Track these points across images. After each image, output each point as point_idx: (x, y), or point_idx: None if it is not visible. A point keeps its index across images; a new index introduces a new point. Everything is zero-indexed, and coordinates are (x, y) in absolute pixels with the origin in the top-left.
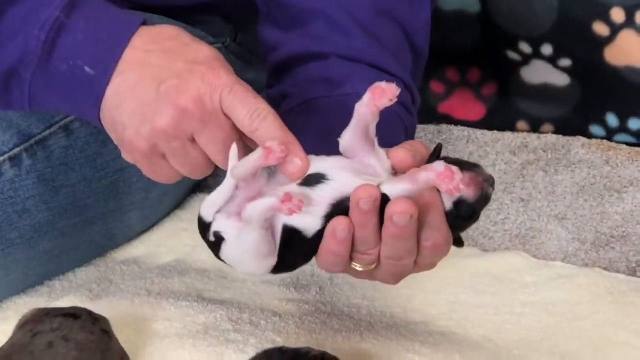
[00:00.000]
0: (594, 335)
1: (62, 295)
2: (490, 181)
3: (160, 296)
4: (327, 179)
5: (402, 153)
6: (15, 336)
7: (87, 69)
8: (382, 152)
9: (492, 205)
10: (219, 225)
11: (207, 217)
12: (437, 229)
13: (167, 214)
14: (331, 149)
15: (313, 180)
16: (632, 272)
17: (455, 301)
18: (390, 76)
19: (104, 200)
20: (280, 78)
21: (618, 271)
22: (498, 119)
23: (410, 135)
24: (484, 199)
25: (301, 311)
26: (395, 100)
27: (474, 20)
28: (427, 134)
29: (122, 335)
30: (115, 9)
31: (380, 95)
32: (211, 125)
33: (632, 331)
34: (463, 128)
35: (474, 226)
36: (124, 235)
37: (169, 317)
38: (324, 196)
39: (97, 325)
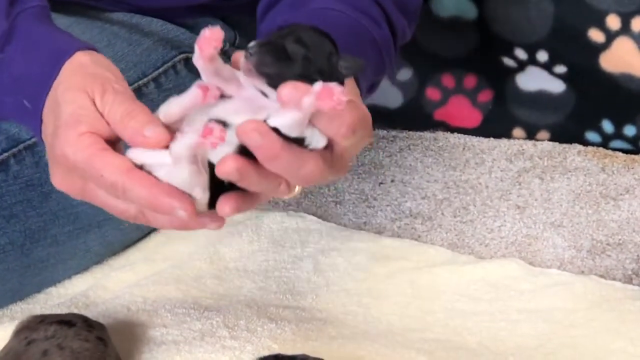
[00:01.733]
0: (590, 343)
1: (58, 301)
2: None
3: (156, 303)
4: (228, 125)
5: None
6: (10, 343)
7: (25, 102)
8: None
9: (488, 212)
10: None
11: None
12: None
13: None
14: None
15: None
16: (628, 280)
17: (451, 308)
18: None
19: (98, 207)
20: (262, 22)
21: (614, 279)
22: (494, 126)
23: (382, 47)
24: (260, 63)
25: (297, 318)
26: (220, 45)
27: (470, 26)
28: (423, 141)
29: (118, 342)
30: (50, 40)
31: (207, 44)
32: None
33: (628, 339)
34: (459, 135)
35: (469, 233)
36: (120, 244)
37: (165, 323)
38: (231, 140)
39: (93, 332)
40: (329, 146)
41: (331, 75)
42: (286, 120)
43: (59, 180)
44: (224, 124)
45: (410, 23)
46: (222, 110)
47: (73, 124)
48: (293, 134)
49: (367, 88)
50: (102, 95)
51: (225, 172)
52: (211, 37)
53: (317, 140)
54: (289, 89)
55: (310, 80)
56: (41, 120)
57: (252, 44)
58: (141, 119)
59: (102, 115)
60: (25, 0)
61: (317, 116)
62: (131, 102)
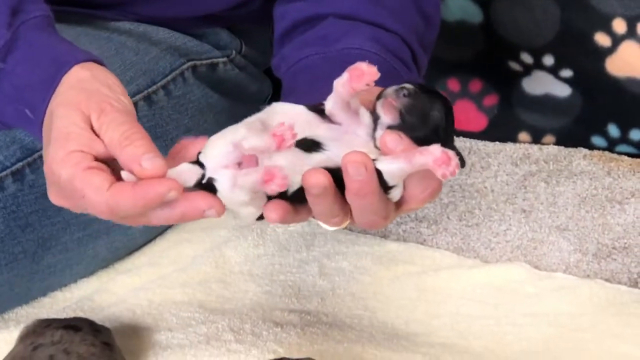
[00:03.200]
0: (596, 347)
1: (63, 305)
2: (402, 91)
3: (162, 307)
4: (323, 149)
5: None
6: (16, 348)
7: (27, 112)
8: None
9: (494, 216)
10: (214, 172)
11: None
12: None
13: (169, 225)
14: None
15: (310, 145)
16: (634, 284)
17: (456, 312)
18: (386, 32)
19: None
20: (282, 45)
21: (620, 282)
22: (500, 130)
23: None
24: (410, 109)
25: (303, 322)
26: (372, 84)
27: (476, 30)
28: None
29: (124, 346)
30: (53, 49)
31: (359, 78)
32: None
33: (634, 343)
34: (465, 139)
35: (475, 237)
36: (126, 249)
37: (171, 327)
38: (316, 162)
39: (99, 337)
40: (401, 200)
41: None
42: (393, 169)
43: (54, 195)
44: (319, 145)
45: (428, 56)
46: (320, 131)
47: (62, 140)
48: (391, 182)
49: None
50: (98, 115)
51: (313, 184)
52: (367, 73)
53: (397, 194)
54: (395, 137)
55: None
56: (40, 124)
57: (410, 87)
58: (140, 146)
59: (97, 135)
60: (28, 11)
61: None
62: (130, 125)
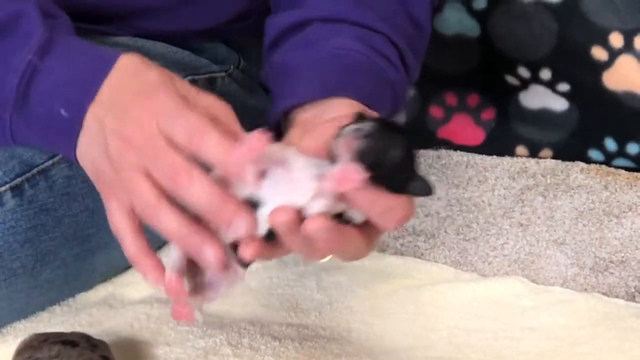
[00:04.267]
0: None
1: (61, 319)
2: (360, 131)
3: (160, 321)
4: (263, 204)
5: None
6: None
7: (62, 111)
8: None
9: (491, 230)
10: None
11: None
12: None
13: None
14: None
15: (255, 204)
16: (631, 298)
17: (454, 326)
18: (372, 31)
19: (106, 229)
20: (270, 53)
21: (617, 296)
22: (497, 144)
23: (399, 90)
24: (366, 150)
25: (300, 335)
26: (262, 150)
27: (473, 44)
28: (426, 159)
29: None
30: (91, 49)
31: (247, 154)
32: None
33: (631, 357)
34: (462, 153)
35: (472, 251)
36: (125, 263)
37: (169, 341)
38: (263, 218)
39: (96, 352)
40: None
41: (400, 188)
42: (319, 208)
43: (131, 130)
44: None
45: (418, 62)
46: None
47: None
48: (332, 212)
49: None
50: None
51: (277, 222)
52: (252, 148)
53: (358, 216)
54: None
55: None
56: (79, 128)
57: (368, 125)
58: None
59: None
60: (57, 15)
61: (370, 210)
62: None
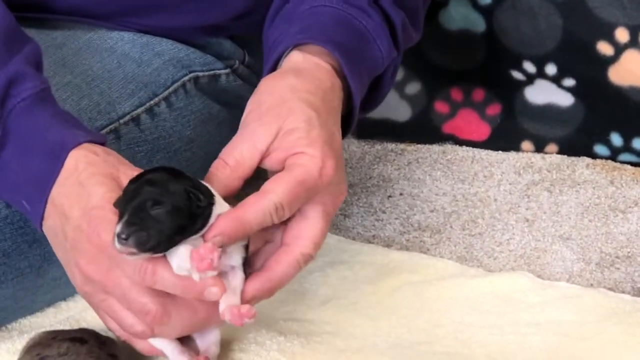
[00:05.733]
0: (599, 356)
1: (67, 315)
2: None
3: None
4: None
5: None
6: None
7: (24, 203)
8: None
9: (497, 226)
10: None
11: None
12: None
13: None
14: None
15: None
16: (637, 293)
17: (460, 321)
18: None
19: None
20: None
21: (623, 291)
22: (502, 139)
23: (375, 35)
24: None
25: (306, 331)
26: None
27: (478, 39)
28: (431, 154)
29: (129, 356)
30: (43, 136)
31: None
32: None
33: (638, 352)
34: (468, 148)
35: (478, 246)
36: None
37: None
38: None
39: (104, 349)
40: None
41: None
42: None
43: (84, 263)
44: None
45: (413, 21)
46: None
47: (106, 204)
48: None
49: (369, 86)
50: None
51: None
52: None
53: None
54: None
55: (188, 226)
56: (41, 219)
57: (118, 229)
58: None
59: None
60: (16, 94)
61: None
62: None
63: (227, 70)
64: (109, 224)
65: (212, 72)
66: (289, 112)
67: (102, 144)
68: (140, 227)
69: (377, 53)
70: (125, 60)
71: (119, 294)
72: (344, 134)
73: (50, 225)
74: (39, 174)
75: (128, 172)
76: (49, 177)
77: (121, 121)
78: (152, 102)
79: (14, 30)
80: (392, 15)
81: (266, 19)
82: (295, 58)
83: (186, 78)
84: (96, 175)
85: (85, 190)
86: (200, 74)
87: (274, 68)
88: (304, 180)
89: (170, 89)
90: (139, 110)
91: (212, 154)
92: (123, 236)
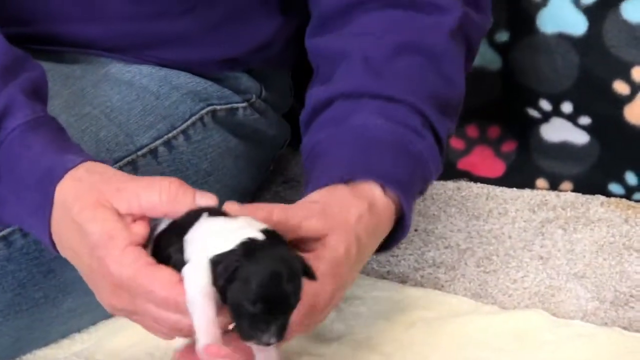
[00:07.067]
0: None
1: (81, 347)
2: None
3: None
4: None
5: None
6: None
7: (32, 231)
8: None
9: (511, 263)
10: None
11: None
12: None
13: None
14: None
15: None
16: None
17: (474, 358)
18: (392, 102)
19: None
20: (304, 133)
21: (637, 330)
22: (517, 176)
23: (427, 156)
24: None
25: None
26: None
27: (494, 77)
28: (446, 190)
29: None
30: (32, 168)
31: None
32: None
33: None
34: (482, 185)
35: (493, 283)
36: None
37: None
38: None
39: None
40: None
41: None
42: None
43: (106, 297)
44: None
45: (453, 120)
46: None
47: (108, 241)
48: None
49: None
50: (118, 195)
51: None
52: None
53: None
54: None
55: None
56: (52, 243)
57: (273, 339)
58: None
59: (130, 213)
60: (5, 127)
61: None
62: (152, 180)
63: (245, 104)
64: (115, 259)
65: (229, 106)
66: (339, 234)
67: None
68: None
69: (428, 174)
70: (144, 92)
71: (149, 317)
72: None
73: (69, 259)
74: (34, 206)
75: (112, 191)
76: (44, 210)
77: (139, 153)
78: (170, 134)
79: (12, 63)
80: (440, 133)
81: (306, 107)
82: (375, 192)
83: (204, 111)
84: (84, 210)
85: (82, 229)
86: (218, 107)
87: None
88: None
89: (189, 122)
90: (157, 142)
91: (229, 188)
92: (273, 341)
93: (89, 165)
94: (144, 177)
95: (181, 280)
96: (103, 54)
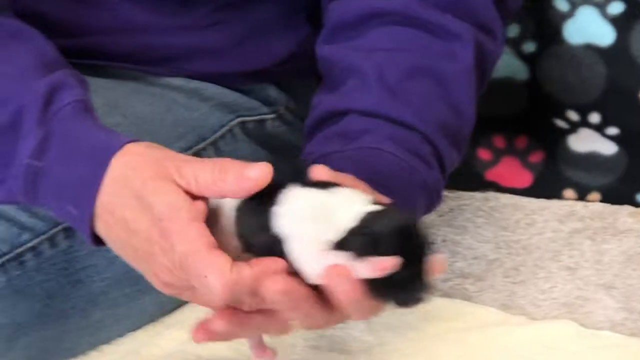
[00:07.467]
0: None
1: (110, 358)
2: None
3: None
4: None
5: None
6: None
7: (70, 208)
8: None
9: (540, 274)
10: None
11: None
12: None
13: None
14: None
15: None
16: None
17: None
18: (405, 128)
19: None
20: (309, 139)
21: None
22: (545, 187)
23: (432, 188)
24: None
25: None
26: None
27: (522, 87)
28: (474, 201)
29: None
30: (88, 139)
31: None
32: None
33: None
34: (510, 195)
35: (521, 294)
36: (173, 303)
37: None
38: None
39: None
40: None
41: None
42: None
43: (160, 271)
44: None
45: (460, 151)
46: None
47: (174, 212)
48: None
49: None
50: (179, 172)
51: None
52: None
53: None
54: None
55: None
56: (90, 226)
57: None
58: (237, 167)
59: (189, 191)
60: (59, 99)
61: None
62: (209, 162)
63: (273, 115)
64: (180, 231)
65: (258, 117)
66: None
67: None
68: None
69: (431, 203)
70: (174, 104)
71: (200, 296)
72: None
73: (114, 239)
74: (84, 176)
75: (174, 167)
76: (94, 180)
77: None
78: (199, 146)
79: (62, 59)
80: (446, 164)
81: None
82: None
83: (233, 123)
84: (149, 181)
85: (145, 201)
86: (247, 118)
87: None
88: None
89: (218, 134)
90: (187, 153)
91: None
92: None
93: (148, 143)
94: (201, 159)
95: (233, 266)
96: (134, 66)
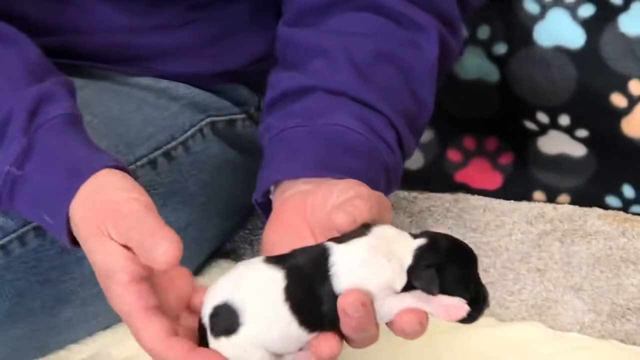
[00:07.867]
0: None
1: (79, 357)
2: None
3: None
4: None
5: (341, 216)
6: None
7: (45, 217)
8: None
9: (509, 275)
10: None
11: None
12: None
13: None
14: (297, 172)
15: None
16: None
17: None
18: (373, 111)
19: None
20: (268, 114)
21: (634, 343)
22: (515, 189)
23: (392, 173)
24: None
25: None
26: None
27: (492, 89)
28: (443, 203)
29: None
30: (67, 155)
31: None
32: None
33: None
34: (480, 197)
35: (490, 296)
36: None
37: None
38: None
39: None
40: None
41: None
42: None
43: None
44: None
45: (417, 140)
46: None
47: (112, 274)
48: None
49: None
50: (115, 227)
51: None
52: None
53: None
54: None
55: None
56: (67, 232)
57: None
58: (151, 245)
59: (125, 246)
60: (47, 112)
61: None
62: (143, 221)
63: (243, 115)
64: (118, 296)
65: (228, 117)
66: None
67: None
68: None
69: (388, 187)
70: (143, 104)
71: None
72: None
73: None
74: (59, 186)
75: (113, 219)
76: (68, 191)
77: (138, 164)
78: (169, 145)
79: (49, 64)
80: (407, 151)
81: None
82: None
83: (203, 122)
84: (90, 237)
85: (89, 256)
86: (217, 118)
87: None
88: None
89: (188, 133)
90: (156, 153)
91: (227, 199)
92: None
93: (121, 173)
94: (143, 217)
95: (171, 336)
96: (103, 65)
